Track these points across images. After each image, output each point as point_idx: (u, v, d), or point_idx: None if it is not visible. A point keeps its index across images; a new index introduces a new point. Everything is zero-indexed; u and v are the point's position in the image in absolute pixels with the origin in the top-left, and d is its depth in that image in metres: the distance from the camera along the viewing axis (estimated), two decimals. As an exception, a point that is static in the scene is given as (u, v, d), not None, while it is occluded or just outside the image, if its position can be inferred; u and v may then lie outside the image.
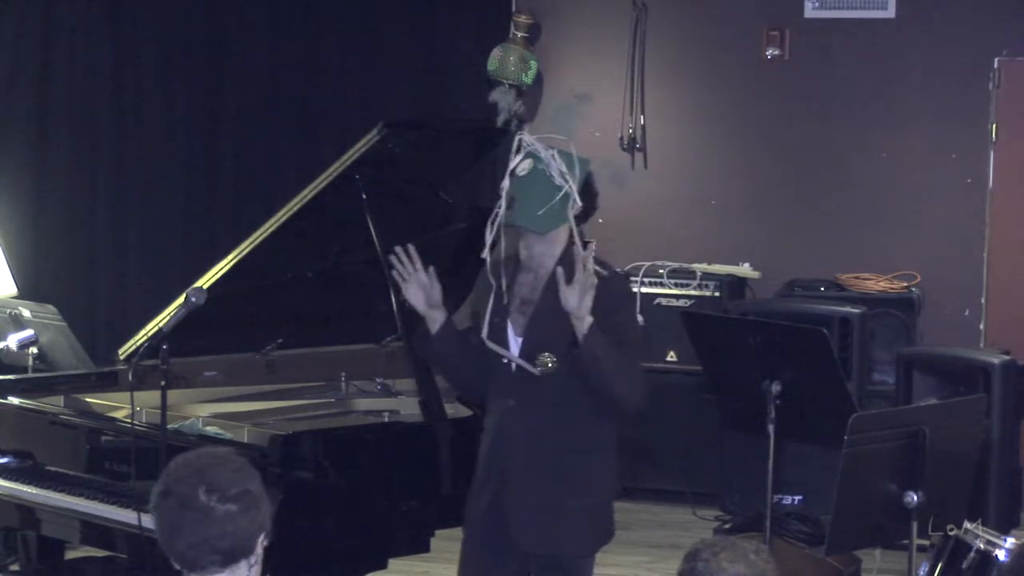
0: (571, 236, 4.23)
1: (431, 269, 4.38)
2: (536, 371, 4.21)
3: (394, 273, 4.41)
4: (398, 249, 4.39)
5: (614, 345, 4.15)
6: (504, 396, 4.29)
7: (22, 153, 8.18)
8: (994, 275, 8.09)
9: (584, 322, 4.09)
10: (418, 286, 4.36)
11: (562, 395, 4.20)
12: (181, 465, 2.98)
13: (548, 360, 4.21)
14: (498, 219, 4.22)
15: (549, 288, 4.22)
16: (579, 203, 4.20)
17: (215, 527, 2.91)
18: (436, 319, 4.37)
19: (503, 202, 4.21)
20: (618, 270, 4.87)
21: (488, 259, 4.31)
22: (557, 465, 4.26)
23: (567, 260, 4.21)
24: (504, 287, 4.29)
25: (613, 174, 4.40)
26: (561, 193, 4.18)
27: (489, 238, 4.24)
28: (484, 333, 4.28)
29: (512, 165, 4.23)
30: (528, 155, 4.21)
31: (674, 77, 8.50)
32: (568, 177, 4.18)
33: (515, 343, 4.28)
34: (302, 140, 8.55)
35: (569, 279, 4.10)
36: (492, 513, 4.32)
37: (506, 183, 4.22)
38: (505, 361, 4.28)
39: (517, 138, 4.24)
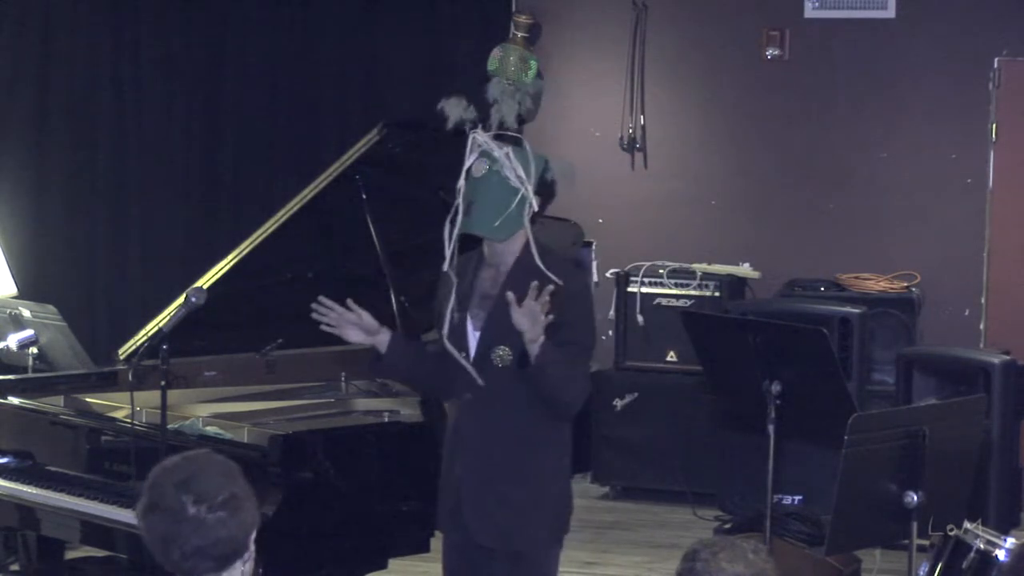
0: (529, 230, 4.24)
1: (348, 301, 4.36)
2: (480, 381, 4.21)
3: (322, 327, 4.38)
4: (315, 306, 4.36)
5: (561, 353, 4.15)
6: (462, 390, 4.30)
7: (22, 153, 8.18)
8: (994, 275, 8.09)
9: (535, 344, 4.09)
10: (349, 326, 4.35)
11: (517, 389, 4.19)
12: (163, 477, 2.96)
13: (505, 354, 4.21)
14: (457, 222, 4.22)
15: (508, 281, 4.23)
16: (535, 206, 4.22)
17: (207, 536, 2.91)
18: (382, 341, 4.37)
19: (460, 205, 4.21)
20: (584, 263, 4.86)
21: (447, 257, 4.31)
22: (510, 458, 4.25)
23: (526, 255, 4.22)
24: (468, 282, 4.29)
25: (563, 171, 4.38)
26: (517, 198, 4.19)
27: (449, 238, 4.24)
28: (444, 332, 4.29)
29: (467, 164, 4.23)
30: (482, 154, 4.21)
31: (674, 77, 8.50)
32: (523, 179, 4.18)
33: (474, 338, 4.29)
34: (302, 140, 8.55)
35: (522, 288, 4.10)
36: (457, 507, 4.33)
37: (462, 183, 4.22)
38: (464, 355, 4.29)
39: (471, 137, 4.23)
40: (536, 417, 4.25)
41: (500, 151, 4.20)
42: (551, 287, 4.07)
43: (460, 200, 4.22)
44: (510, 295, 4.09)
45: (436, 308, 4.43)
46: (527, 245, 4.24)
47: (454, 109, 4.27)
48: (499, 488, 4.26)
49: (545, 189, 4.28)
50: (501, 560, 4.33)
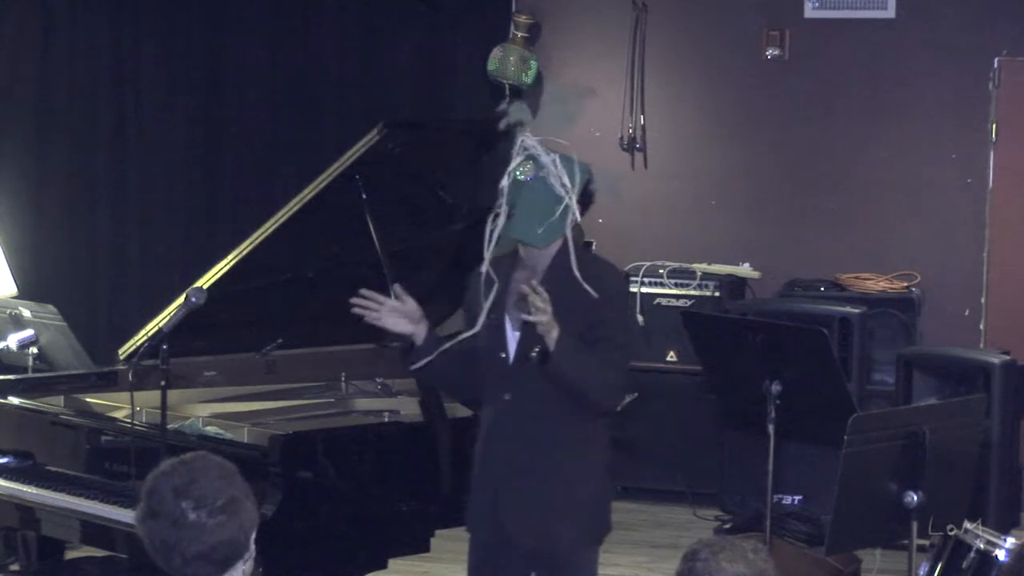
0: (569, 237, 4.25)
1: (395, 287, 4.36)
2: (533, 358, 4.21)
3: (365, 320, 4.36)
4: (355, 301, 4.35)
5: (588, 351, 4.15)
6: (499, 390, 4.29)
7: (22, 153, 8.17)
8: (994, 275, 8.09)
9: (550, 336, 4.09)
10: (393, 314, 4.34)
11: (556, 389, 4.19)
12: (162, 483, 2.94)
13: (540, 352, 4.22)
14: (498, 224, 4.22)
15: (545, 283, 4.23)
16: (578, 216, 4.22)
17: (208, 541, 2.91)
18: (420, 332, 4.36)
19: (504, 207, 4.21)
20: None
21: (487, 257, 4.31)
22: (550, 458, 4.25)
23: (561, 258, 4.23)
24: (502, 283, 4.30)
25: (610, 186, 4.39)
26: (561, 206, 4.19)
27: (488, 240, 4.24)
28: (479, 325, 4.28)
29: (512, 166, 4.23)
30: (529, 157, 4.21)
31: (674, 77, 8.50)
32: (569, 188, 4.19)
33: (512, 338, 4.29)
34: (302, 140, 8.55)
35: (558, 291, 4.11)
36: (492, 509, 4.32)
37: (505, 183, 4.22)
38: (502, 356, 4.28)
39: (519, 139, 4.23)
40: (574, 417, 4.25)
41: (548, 157, 4.20)
42: (534, 283, 4.07)
43: (503, 202, 4.21)
44: (522, 287, 4.08)
45: (467, 306, 4.43)
46: (563, 248, 4.24)
47: (516, 112, 4.25)
48: (536, 488, 4.25)
49: (585, 199, 4.30)
50: (536, 561, 4.32)
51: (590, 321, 4.18)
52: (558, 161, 4.20)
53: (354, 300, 4.35)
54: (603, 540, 4.41)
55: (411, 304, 4.36)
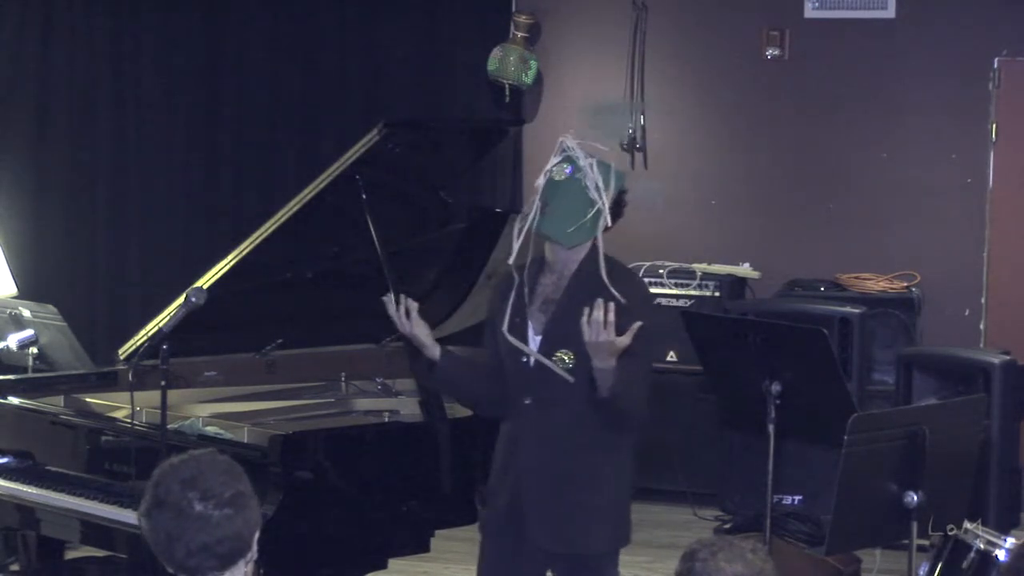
0: (600, 242, 4.27)
1: (408, 301, 4.36)
2: (557, 368, 4.20)
3: (398, 325, 4.36)
4: (389, 301, 4.35)
5: (625, 374, 4.13)
6: (521, 395, 4.29)
7: (22, 153, 8.18)
8: (994, 275, 8.09)
9: (607, 372, 4.07)
10: (420, 325, 4.33)
11: (579, 393, 4.18)
12: (169, 474, 2.95)
13: (566, 357, 4.22)
14: (528, 222, 4.23)
15: (571, 287, 4.24)
16: (610, 222, 4.23)
17: (213, 534, 2.91)
18: (435, 346, 4.35)
19: (537, 204, 4.22)
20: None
21: (514, 257, 4.32)
22: (573, 463, 4.25)
23: (588, 263, 4.24)
24: (527, 286, 4.29)
25: (651, 197, 4.41)
26: (594, 210, 4.20)
27: (518, 236, 4.25)
28: (505, 327, 4.28)
29: (549, 165, 4.25)
30: (567, 159, 4.23)
31: (674, 77, 8.50)
32: (603, 192, 4.19)
33: (534, 341, 4.28)
34: (302, 140, 8.55)
35: (583, 296, 4.11)
36: (510, 512, 4.32)
37: (541, 181, 4.24)
38: (524, 359, 4.28)
39: (560, 140, 4.25)
40: (596, 421, 4.25)
41: (586, 160, 4.22)
42: (612, 304, 4.03)
43: (536, 200, 4.23)
44: (585, 320, 4.04)
45: (489, 306, 4.42)
46: (590, 253, 4.25)
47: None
48: (562, 492, 4.25)
49: (618, 208, 4.30)
50: (558, 564, 4.31)
51: (618, 329, 4.17)
52: (595, 165, 4.23)
53: (388, 300, 4.34)
54: (626, 545, 4.42)
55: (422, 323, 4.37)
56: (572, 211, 4.21)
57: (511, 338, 4.27)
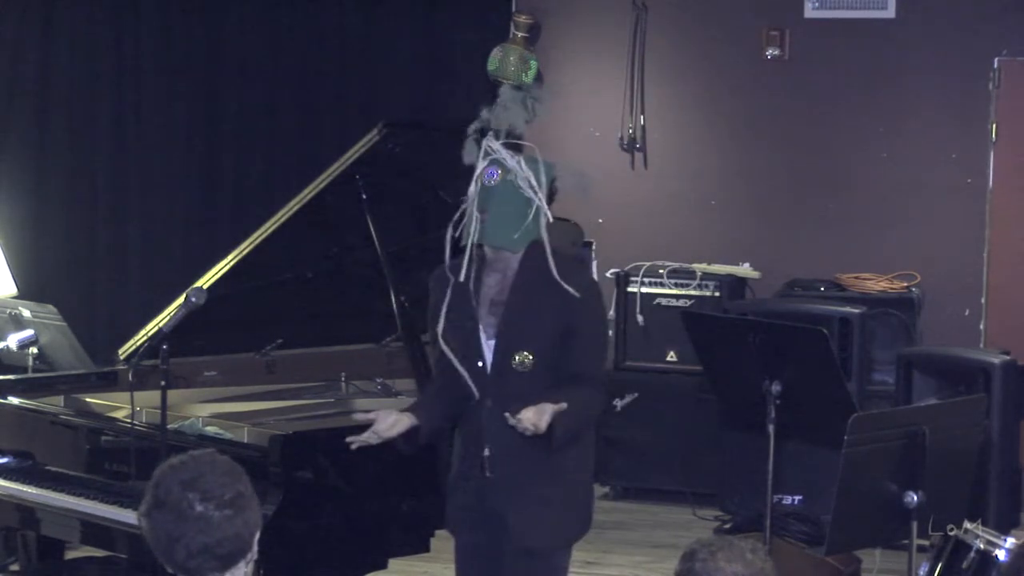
0: (545, 239, 4.24)
1: (401, 400, 4.35)
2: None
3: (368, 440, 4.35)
4: (351, 441, 4.34)
5: (569, 398, 4.14)
6: (479, 396, 4.26)
7: (22, 153, 8.18)
8: (994, 275, 8.09)
9: (540, 427, 4.09)
10: (384, 425, 4.30)
11: (537, 391, 4.17)
12: (169, 475, 2.95)
13: (525, 359, 4.21)
14: (469, 231, 4.19)
15: (517, 285, 4.22)
16: (550, 217, 4.22)
17: (214, 535, 2.90)
18: (408, 416, 4.33)
19: (474, 213, 4.18)
20: (587, 261, 4.84)
21: (447, 261, 4.30)
22: (538, 459, 4.23)
23: (531, 259, 4.22)
24: (473, 286, 4.28)
25: (577, 181, 4.37)
26: (533, 208, 4.18)
27: (457, 243, 4.23)
28: (439, 331, 4.27)
29: (477, 171, 4.21)
30: (493, 163, 4.20)
31: (674, 77, 8.50)
32: (537, 189, 4.18)
33: (488, 347, 4.27)
34: (302, 140, 8.55)
35: (530, 293, 4.16)
36: (474, 511, 4.32)
37: (473, 189, 4.21)
38: (480, 364, 4.27)
39: (484, 144, 4.21)
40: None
41: (513, 160, 4.19)
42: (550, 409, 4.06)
43: (473, 208, 4.20)
44: (513, 420, 4.08)
45: (430, 311, 4.41)
46: (532, 249, 4.23)
47: (484, 119, 4.26)
48: (529, 488, 4.25)
49: (550, 195, 4.28)
50: (512, 557, 4.32)
51: (570, 319, 4.18)
52: (523, 163, 4.20)
53: (350, 442, 4.33)
54: (588, 531, 4.43)
55: (383, 413, 4.34)
56: (512, 215, 4.18)
57: (443, 343, 4.26)
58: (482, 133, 4.23)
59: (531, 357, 4.20)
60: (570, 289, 4.16)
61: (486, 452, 4.26)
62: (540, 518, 4.26)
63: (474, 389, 4.27)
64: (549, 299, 4.19)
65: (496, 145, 4.20)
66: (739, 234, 8.34)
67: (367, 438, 4.30)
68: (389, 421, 4.29)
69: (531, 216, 4.18)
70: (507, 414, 4.10)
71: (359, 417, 4.41)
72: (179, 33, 8.49)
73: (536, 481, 4.25)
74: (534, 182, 4.18)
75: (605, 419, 7.70)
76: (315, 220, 5.24)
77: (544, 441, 4.13)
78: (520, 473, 4.25)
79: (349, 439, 4.34)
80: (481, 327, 4.27)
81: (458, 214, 4.26)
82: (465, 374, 4.25)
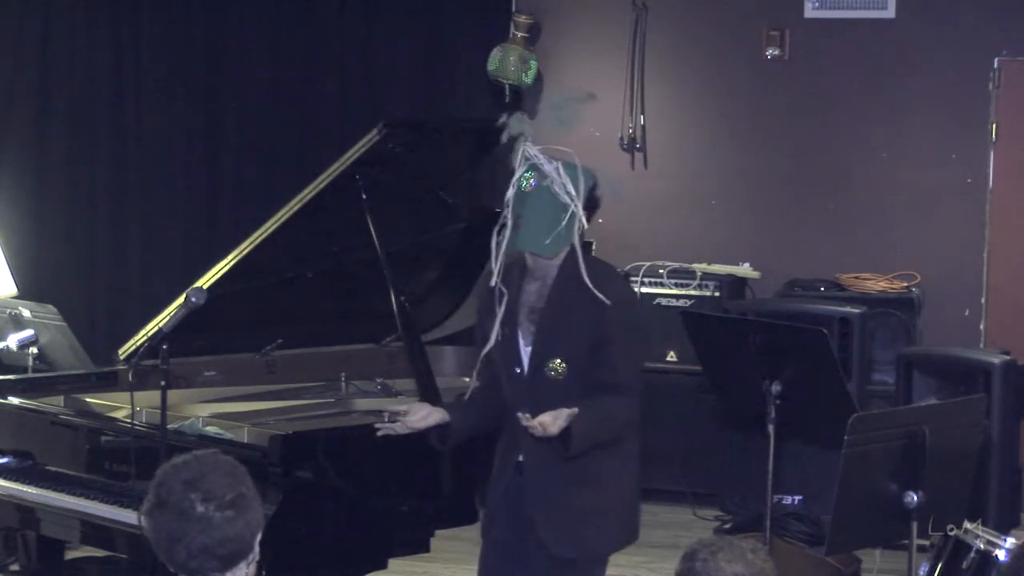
0: (578, 245, 4.25)
1: (401, 400, 4.37)
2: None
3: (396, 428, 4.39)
4: (378, 426, 4.37)
5: (598, 412, 4.16)
6: (518, 403, 4.25)
7: (22, 154, 8.18)
8: (994, 275, 8.08)
9: (552, 432, 4.10)
10: (419, 418, 4.34)
11: (571, 399, 4.17)
12: (172, 475, 2.95)
13: (559, 367, 4.21)
14: (505, 236, 4.20)
15: (554, 293, 4.23)
16: (585, 223, 4.21)
17: (215, 535, 2.90)
18: (440, 413, 4.36)
19: (509, 219, 4.19)
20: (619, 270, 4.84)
21: (495, 270, 4.29)
22: (576, 465, 4.23)
23: (569, 266, 4.22)
24: (512, 294, 4.28)
25: (614, 189, 4.36)
26: (567, 215, 4.17)
27: (496, 252, 4.22)
28: (492, 339, 4.27)
29: (515, 176, 4.21)
30: (531, 168, 4.19)
31: (674, 77, 8.50)
32: (574, 195, 4.16)
33: (525, 353, 4.28)
34: (302, 140, 8.55)
35: (568, 301, 4.16)
36: (511, 517, 4.32)
37: (510, 194, 4.20)
38: (517, 370, 4.28)
39: (521, 149, 4.21)
40: None
41: (550, 165, 4.18)
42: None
43: (508, 213, 4.20)
44: (525, 419, 4.08)
45: (478, 324, 4.42)
46: (570, 256, 4.23)
47: (516, 125, 4.22)
48: (567, 496, 4.25)
49: (592, 204, 4.27)
50: (550, 565, 4.30)
51: (603, 327, 4.17)
52: (561, 169, 4.18)
53: (377, 427, 4.38)
54: (635, 540, 4.44)
55: (418, 405, 4.40)
56: (547, 221, 4.17)
57: (501, 353, 4.27)
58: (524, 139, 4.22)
59: (564, 365, 4.20)
60: (601, 297, 4.16)
61: (520, 458, 4.28)
62: (570, 529, 4.26)
63: (511, 395, 4.27)
64: (582, 307, 4.19)
65: (534, 151, 4.19)
66: (739, 234, 8.34)
67: (395, 427, 4.31)
68: (422, 413, 4.34)
69: (564, 222, 4.17)
70: (519, 414, 4.09)
71: (392, 408, 4.44)
72: (179, 33, 8.49)
73: (569, 490, 4.26)
74: (571, 188, 4.16)
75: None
76: (315, 220, 5.24)
77: (562, 447, 4.13)
78: (553, 481, 4.25)
79: (376, 424, 4.37)
80: (520, 334, 4.27)
81: (499, 224, 4.26)
82: (505, 381, 4.26)
